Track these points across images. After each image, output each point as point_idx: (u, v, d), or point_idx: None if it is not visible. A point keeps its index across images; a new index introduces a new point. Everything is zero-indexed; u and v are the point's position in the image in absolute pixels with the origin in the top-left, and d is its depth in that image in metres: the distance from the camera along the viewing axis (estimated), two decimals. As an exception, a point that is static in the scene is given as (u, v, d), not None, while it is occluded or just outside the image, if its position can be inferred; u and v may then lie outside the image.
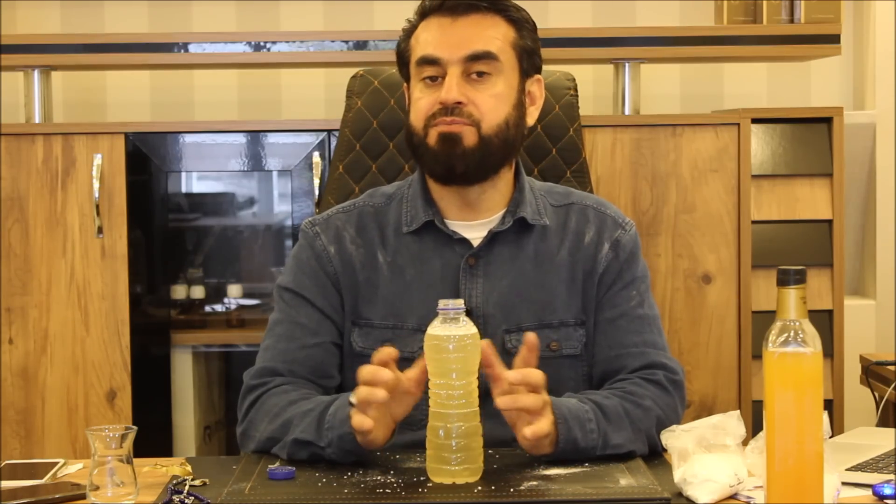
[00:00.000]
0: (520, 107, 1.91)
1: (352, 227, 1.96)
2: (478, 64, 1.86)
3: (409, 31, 1.93)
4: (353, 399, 1.67)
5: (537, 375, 1.67)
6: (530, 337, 1.69)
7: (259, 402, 1.85)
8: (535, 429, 1.65)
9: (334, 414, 1.73)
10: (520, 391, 1.66)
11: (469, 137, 1.85)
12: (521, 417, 1.68)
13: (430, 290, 1.88)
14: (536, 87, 1.95)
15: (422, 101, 1.88)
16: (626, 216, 1.99)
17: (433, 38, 1.88)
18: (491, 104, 1.86)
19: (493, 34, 1.88)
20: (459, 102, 1.85)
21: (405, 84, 1.97)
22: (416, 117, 1.89)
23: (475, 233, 1.92)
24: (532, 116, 1.95)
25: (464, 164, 1.86)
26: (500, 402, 1.64)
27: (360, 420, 1.65)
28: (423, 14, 1.91)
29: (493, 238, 1.91)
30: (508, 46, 1.89)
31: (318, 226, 1.97)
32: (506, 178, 1.93)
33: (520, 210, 1.92)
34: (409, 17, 1.94)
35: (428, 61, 1.87)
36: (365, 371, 1.65)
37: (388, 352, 1.66)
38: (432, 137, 1.87)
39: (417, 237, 1.93)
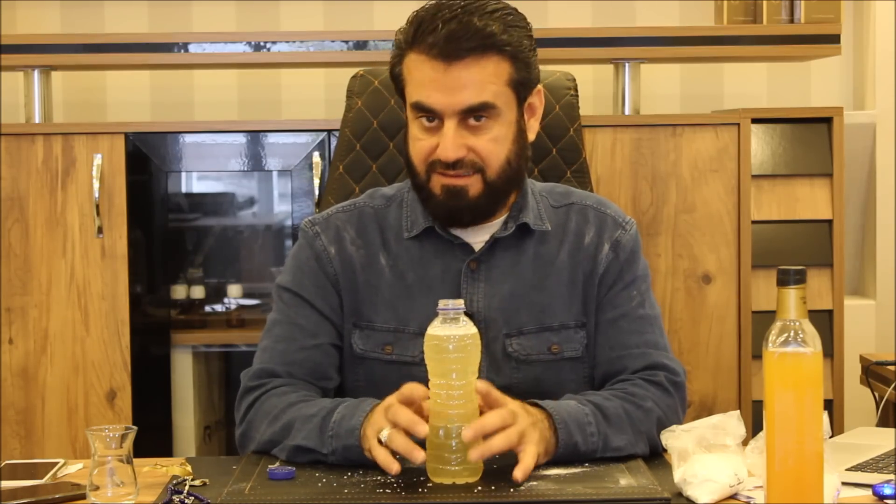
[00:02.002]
0: (520, 136, 1.87)
1: (352, 228, 1.94)
2: (475, 113, 1.81)
3: (401, 54, 1.85)
4: (383, 438, 1.63)
5: (494, 420, 1.63)
6: (479, 386, 1.65)
7: (257, 403, 1.85)
8: (523, 469, 1.62)
9: (339, 423, 1.72)
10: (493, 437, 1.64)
11: (474, 187, 1.84)
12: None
13: (432, 294, 1.87)
14: (536, 99, 1.91)
15: (421, 144, 1.84)
16: (626, 215, 1.98)
17: (427, 83, 1.80)
18: (491, 149, 1.83)
19: (488, 79, 1.80)
20: (459, 158, 1.81)
21: (403, 104, 1.91)
22: (417, 159, 1.86)
23: (476, 237, 1.91)
24: (533, 130, 1.91)
25: (470, 215, 1.86)
26: (472, 455, 1.61)
27: (388, 462, 1.62)
28: (414, 41, 1.81)
29: (494, 243, 1.91)
30: (505, 87, 1.82)
31: (317, 225, 1.96)
32: None
33: (522, 216, 1.91)
34: (400, 21, 1.87)
35: (423, 109, 1.82)
36: (404, 416, 1.63)
37: (419, 392, 1.64)
38: (436, 186, 1.85)
39: (418, 242, 1.92)
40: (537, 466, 1.66)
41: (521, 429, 1.65)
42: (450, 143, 1.80)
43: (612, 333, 1.91)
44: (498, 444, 1.62)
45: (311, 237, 1.95)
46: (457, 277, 1.90)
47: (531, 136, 1.91)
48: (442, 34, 1.78)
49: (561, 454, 1.70)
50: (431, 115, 1.82)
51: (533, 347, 1.90)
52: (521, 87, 1.86)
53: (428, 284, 1.90)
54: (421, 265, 1.91)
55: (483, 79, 1.80)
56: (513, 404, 1.67)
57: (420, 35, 1.80)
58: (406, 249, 1.92)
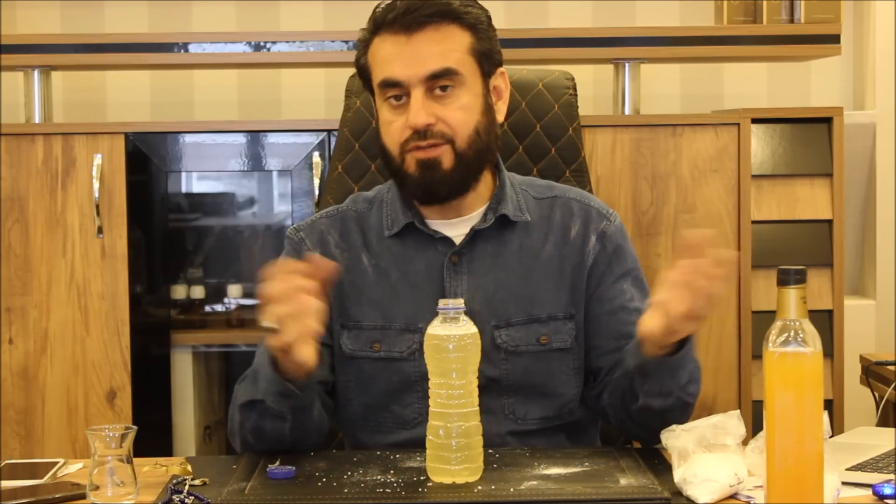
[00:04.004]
0: (488, 111, 1.90)
1: (335, 232, 1.97)
2: (440, 80, 1.85)
3: (365, 44, 1.90)
4: (269, 324, 1.65)
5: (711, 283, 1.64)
6: (692, 235, 1.65)
7: (233, 397, 1.88)
8: (649, 326, 1.68)
9: (262, 363, 1.75)
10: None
11: (446, 159, 1.86)
12: (660, 307, 1.68)
13: (416, 290, 1.90)
14: (501, 81, 1.95)
15: (392, 126, 1.88)
16: (609, 207, 2.00)
17: (391, 58, 1.86)
18: (459, 117, 1.86)
19: (450, 46, 1.86)
20: (429, 124, 1.84)
21: (369, 94, 1.96)
22: (391, 142, 1.89)
23: (457, 230, 1.93)
24: (501, 112, 1.95)
25: (446, 188, 1.88)
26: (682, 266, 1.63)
27: (299, 351, 1.65)
28: (376, 27, 1.88)
29: (475, 235, 1.92)
30: (467, 55, 1.87)
31: (302, 231, 1.99)
32: (485, 178, 1.94)
33: (501, 207, 1.93)
34: (363, 26, 1.91)
35: (390, 84, 1.86)
36: (268, 289, 1.64)
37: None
38: (410, 164, 1.87)
39: (399, 239, 1.94)
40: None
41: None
42: (419, 108, 1.84)
43: (612, 324, 1.93)
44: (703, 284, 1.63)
45: (296, 243, 1.98)
46: (439, 272, 1.91)
47: (499, 118, 1.94)
48: (401, 8, 1.85)
49: (683, 351, 1.74)
50: (398, 94, 1.86)
51: (522, 339, 1.91)
52: (484, 58, 1.90)
53: (411, 280, 1.92)
54: (403, 262, 1.93)
55: (445, 47, 1.86)
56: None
57: (379, 18, 1.87)
58: (388, 248, 1.94)
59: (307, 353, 1.65)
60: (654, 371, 1.76)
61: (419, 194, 1.90)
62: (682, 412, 1.80)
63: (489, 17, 1.93)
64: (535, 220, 1.95)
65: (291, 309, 1.64)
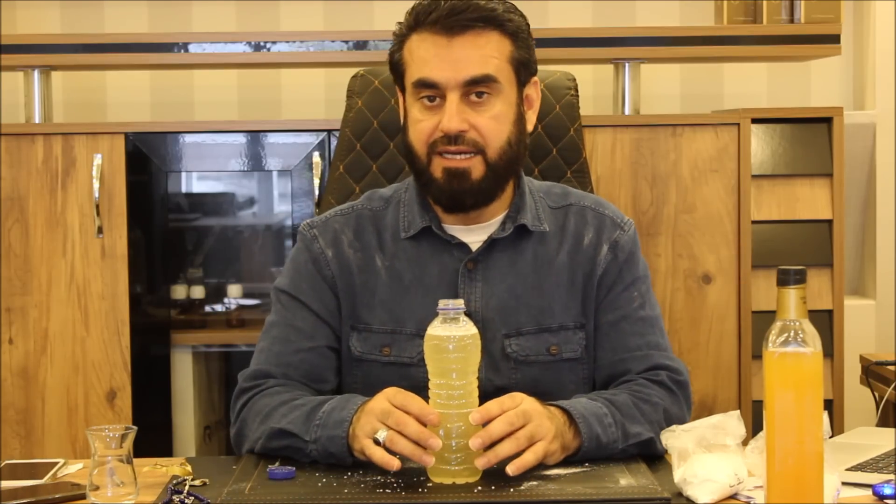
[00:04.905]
0: (520, 121, 1.88)
1: (350, 231, 1.94)
2: (477, 87, 1.83)
3: (402, 39, 1.88)
4: (381, 438, 1.63)
5: (501, 427, 1.62)
6: (475, 417, 1.63)
7: (251, 403, 1.85)
8: (518, 464, 1.61)
9: (329, 413, 1.73)
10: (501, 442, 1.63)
11: (477, 170, 1.84)
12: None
13: (429, 294, 1.87)
14: (533, 90, 1.93)
15: (422, 125, 1.85)
16: (624, 215, 1.98)
17: (429, 59, 1.83)
18: (492, 127, 1.84)
19: (490, 53, 1.83)
20: (462, 131, 1.82)
21: (398, 89, 1.93)
22: (418, 141, 1.86)
23: (474, 237, 1.92)
24: (531, 121, 1.93)
25: (472, 198, 1.86)
26: (478, 463, 1.61)
27: (388, 460, 1.62)
28: (416, 24, 1.85)
29: (492, 243, 1.91)
30: (506, 63, 1.85)
31: (315, 228, 1.96)
32: (507, 186, 1.92)
33: (520, 216, 1.91)
34: (400, 20, 1.89)
35: (425, 84, 1.83)
36: (413, 429, 1.61)
37: (414, 406, 1.64)
38: (437, 169, 1.85)
39: (415, 242, 1.92)
40: (546, 465, 1.67)
41: (531, 431, 1.64)
42: (453, 113, 1.81)
43: (614, 335, 1.91)
44: (505, 449, 1.62)
45: (308, 240, 1.95)
46: (454, 278, 1.90)
47: (529, 127, 1.92)
48: (444, 9, 1.82)
49: (585, 449, 1.70)
50: (433, 95, 1.84)
51: (532, 348, 1.90)
52: (522, 67, 1.88)
53: (425, 285, 1.90)
54: (418, 265, 1.91)
55: (485, 52, 1.83)
56: (526, 402, 1.66)
57: (422, 15, 1.84)
58: (403, 249, 1.92)
59: (396, 465, 1.62)
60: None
61: (443, 201, 1.88)
62: (655, 442, 1.77)
63: (528, 26, 1.90)
64: (550, 229, 1.93)
65: (414, 449, 1.61)
